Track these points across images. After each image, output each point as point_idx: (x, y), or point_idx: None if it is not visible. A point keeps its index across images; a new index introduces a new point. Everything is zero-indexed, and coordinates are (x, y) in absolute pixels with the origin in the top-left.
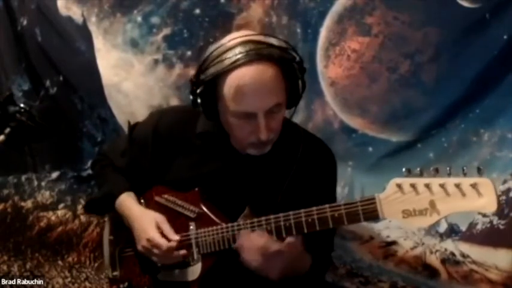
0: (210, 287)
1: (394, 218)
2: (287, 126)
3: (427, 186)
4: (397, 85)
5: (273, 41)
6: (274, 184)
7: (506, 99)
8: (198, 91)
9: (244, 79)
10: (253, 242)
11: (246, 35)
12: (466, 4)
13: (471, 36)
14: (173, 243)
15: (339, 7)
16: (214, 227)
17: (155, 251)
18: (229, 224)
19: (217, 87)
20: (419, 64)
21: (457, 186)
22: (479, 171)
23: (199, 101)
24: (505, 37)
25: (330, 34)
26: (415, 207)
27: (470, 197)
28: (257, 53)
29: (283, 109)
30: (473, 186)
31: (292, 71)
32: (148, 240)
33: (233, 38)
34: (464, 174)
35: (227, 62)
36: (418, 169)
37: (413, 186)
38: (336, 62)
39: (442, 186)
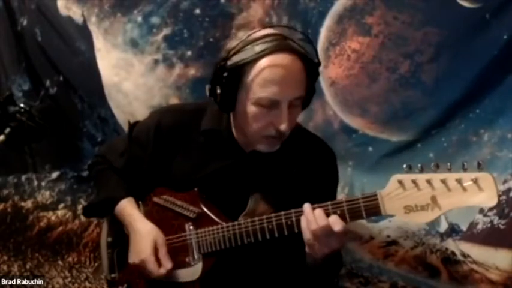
0: (211, 287)
1: (396, 214)
2: None
3: (429, 182)
4: (397, 85)
5: (299, 35)
6: (277, 183)
7: (506, 99)
8: (223, 79)
9: (275, 66)
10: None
11: (272, 27)
12: (466, 4)
13: (471, 36)
14: (163, 271)
15: (339, 7)
16: (215, 227)
17: (144, 272)
18: (230, 223)
19: (242, 75)
20: (419, 64)
21: (458, 181)
22: (480, 166)
23: (219, 90)
24: (505, 37)
25: (330, 34)
26: (416, 202)
27: (471, 192)
28: (287, 45)
29: (301, 105)
30: (474, 181)
31: (313, 71)
32: (142, 261)
33: (260, 30)
34: (465, 170)
35: (257, 49)
36: (419, 165)
37: (414, 182)
38: (336, 62)
39: (443, 181)
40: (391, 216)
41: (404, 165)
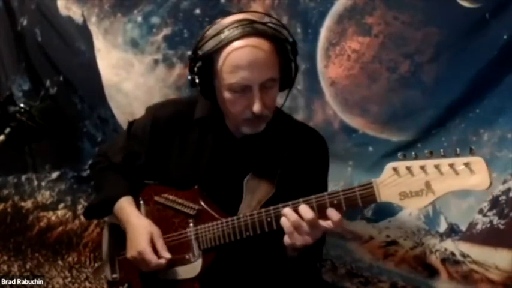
0: (211, 282)
1: (392, 201)
2: (279, 115)
3: (422, 168)
4: (397, 85)
5: (267, 19)
6: (270, 168)
7: (506, 99)
8: (196, 68)
9: (239, 51)
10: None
11: (241, 13)
12: (466, 4)
13: (471, 36)
14: (163, 261)
15: (339, 7)
16: (215, 222)
17: (143, 264)
18: (229, 218)
19: (213, 64)
20: (419, 64)
21: (451, 166)
22: (472, 151)
23: (197, 80)
24: (505, 37)
25: (330, 34)
26: (411, 188)
27: (464, 176)
28: (252, 28)
29: (276, 86)
30: (466, 165)
31: (286, 50)
32: (139, 253)
33: (229, 17)
34: (457, 155)
35: (223, 37)
36: (413, 153)
37: (408, 168)
38: (336, 62)
39: (436, 167)
40: (391, 216)
41: (399, 154)
